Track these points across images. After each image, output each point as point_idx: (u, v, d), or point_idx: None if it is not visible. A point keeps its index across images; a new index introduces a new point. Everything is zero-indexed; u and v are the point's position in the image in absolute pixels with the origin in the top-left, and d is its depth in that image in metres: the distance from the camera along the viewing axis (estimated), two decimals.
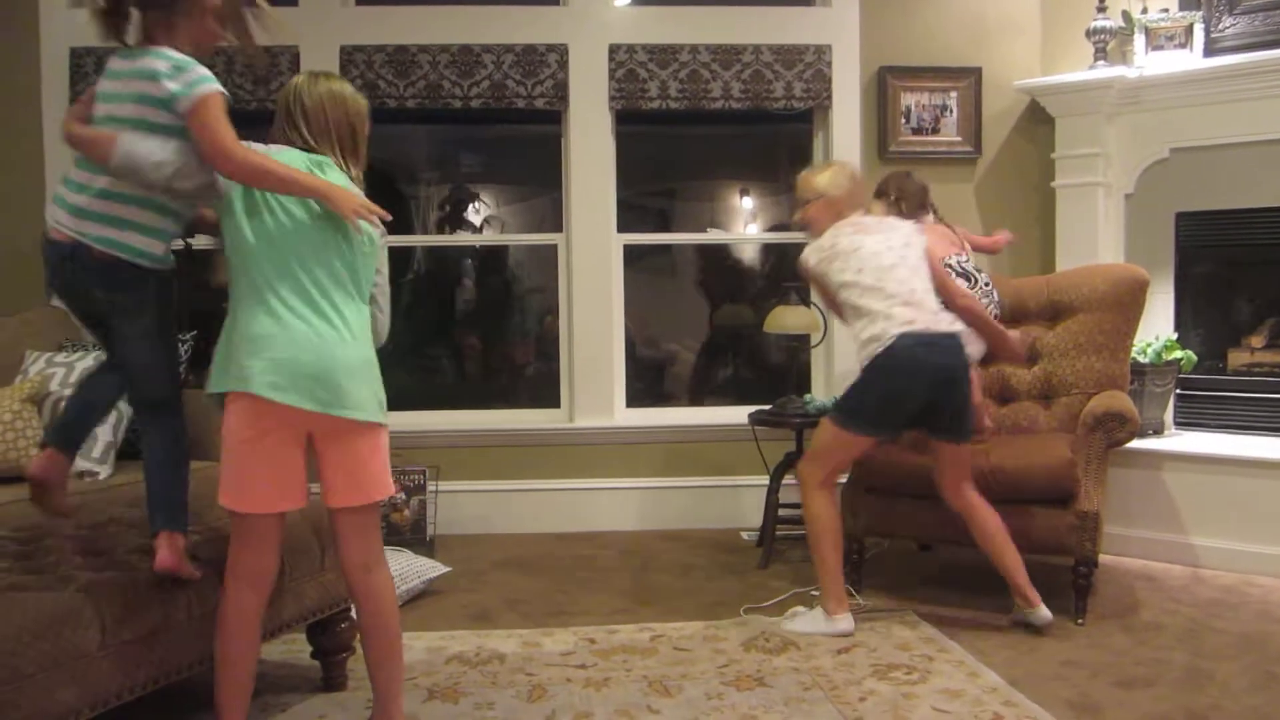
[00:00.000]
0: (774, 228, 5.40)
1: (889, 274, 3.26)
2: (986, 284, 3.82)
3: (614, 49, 4.69)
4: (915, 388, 3.19)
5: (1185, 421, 4.46)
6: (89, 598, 2.18)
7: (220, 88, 2.27)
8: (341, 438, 2.30)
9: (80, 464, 3.51)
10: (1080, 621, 3.39)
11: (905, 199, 3.84)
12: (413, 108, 4.69)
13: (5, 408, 3.42)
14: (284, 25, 2.59)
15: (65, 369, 3.70)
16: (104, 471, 3.55)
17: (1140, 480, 4.15)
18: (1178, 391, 4.41)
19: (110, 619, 2.19)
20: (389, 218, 2.33)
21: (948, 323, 3.26)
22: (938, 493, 3.39)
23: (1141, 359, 4.22)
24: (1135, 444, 3.81)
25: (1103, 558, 3.69)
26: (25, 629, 2.02)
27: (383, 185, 5.09)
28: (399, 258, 5.18)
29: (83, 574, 2.29)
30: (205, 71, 2.27)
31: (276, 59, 4.58)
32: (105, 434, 3.58)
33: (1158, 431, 4.31)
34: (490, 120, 5.04)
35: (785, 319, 4.36)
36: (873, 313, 3.22)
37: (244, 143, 2.25)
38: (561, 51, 4.68)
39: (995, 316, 3.73)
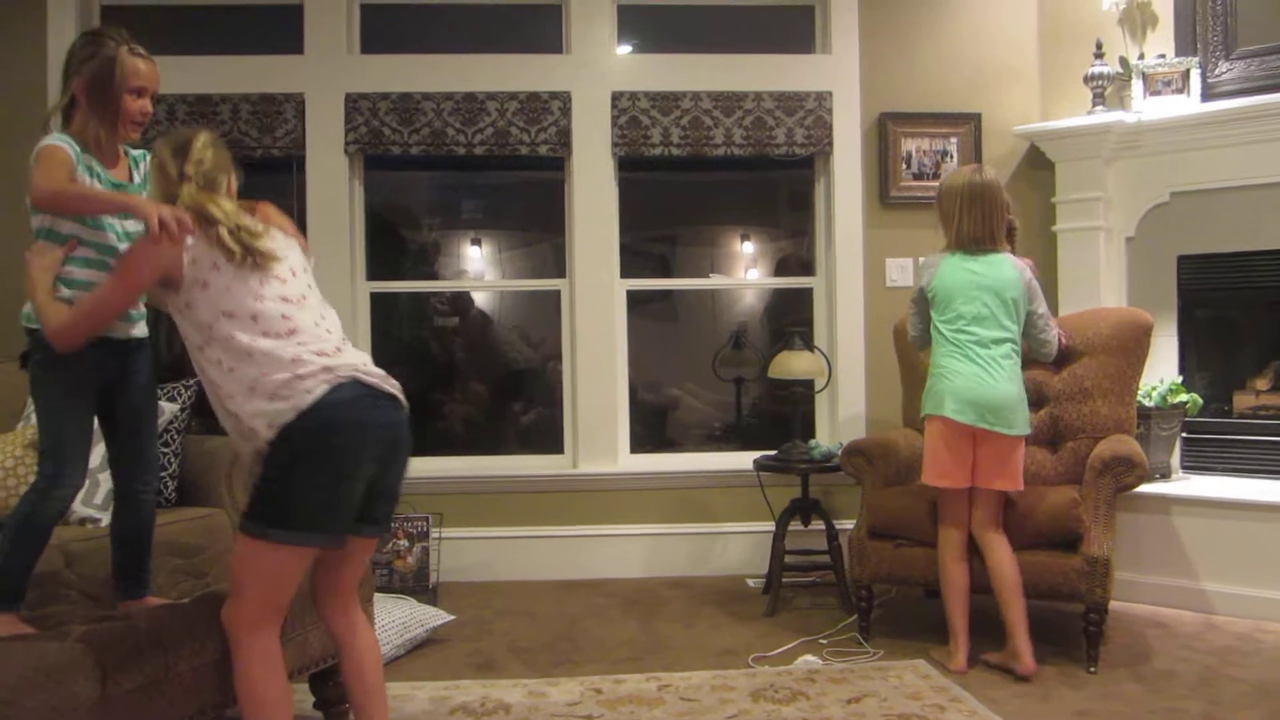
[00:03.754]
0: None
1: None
2: None
3: (617, 96, 4.73)
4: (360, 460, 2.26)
5: (1192, 465, 4.43)
6: (89, 647, 2.14)
7: (57, 142, 2.41)
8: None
9: (81, 510, 3.48)
10: (1092, 670, 3.35)
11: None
12: (416, 154, 4.72)
13: (7, 454, 3.40)
14: None
15: None
16: (106, 518, 3.51)
17: (1149, 525, 4.12)
18: (1183, 435, 4.39)
19: (111, 668, 2.15)
20: (187, 222, 2.24)
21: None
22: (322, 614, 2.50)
23: (1147, 403, 4.21)
24: (1142, 489, 3.78)
25: (1113, 604, 3.65)
26: (24, 679, 1.99)
27: (385, 231, 5.10)
28: (400, 302, 5.18)
29: (83, 623, 2.25)
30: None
31: (282, 106, 4.61)
32: (107, 480, 3.54)
33: (1164, 476, 4.29)
34: (493, 167, 5.07)
35: (790, 364, 4.35)
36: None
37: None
38: (564, 99, 4.72)
39: None
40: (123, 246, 2.47)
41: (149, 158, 2.53)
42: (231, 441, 2.32)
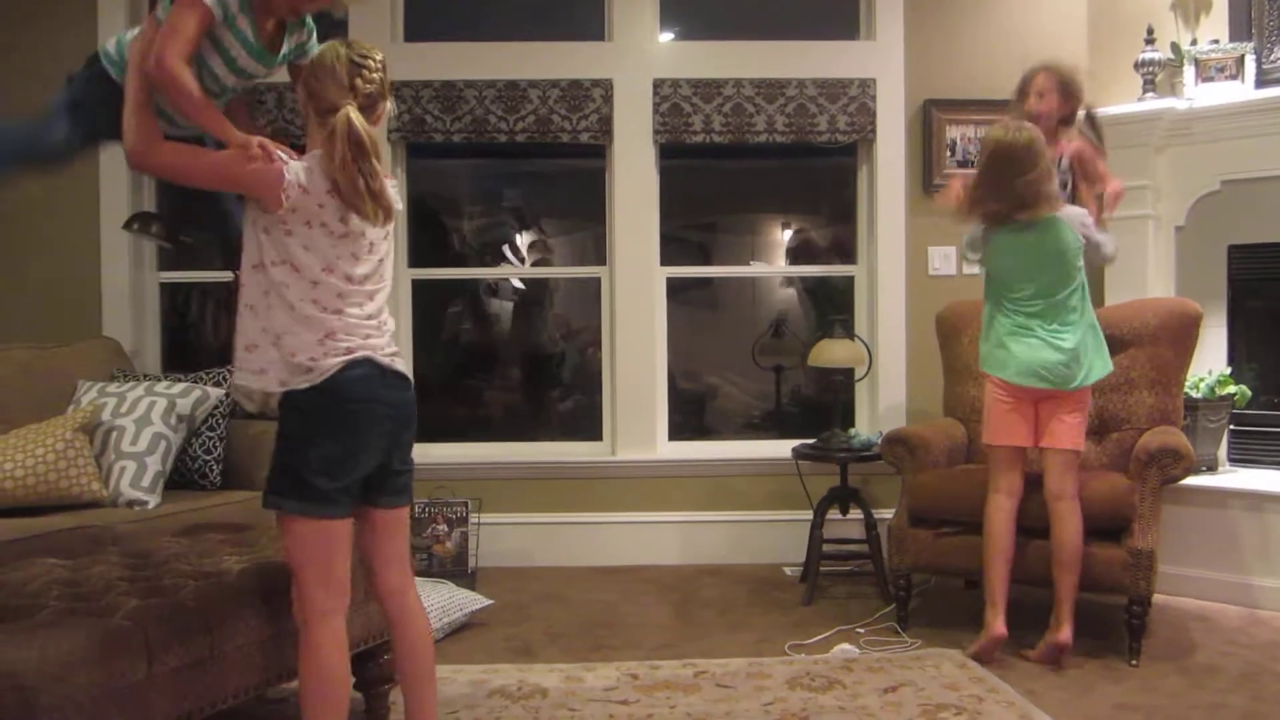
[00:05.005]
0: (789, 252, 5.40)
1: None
2: None
3: (658, 83, 4.72)
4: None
5: (1239, 458, 4.36)
6: (137, 625, 2.19)
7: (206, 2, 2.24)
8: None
9: (129, 493, 3.55)
10: (1134, 663, 3.31)
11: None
12: (459, 142, 4.74)
13: (58, 437, 3.47)
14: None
15: (117, 399, 3.75)
16: (153, 501, 3.58)
17: (1194, 518, 4.06)
18: (1231, 427, 4.32)
19: (158, 646, 2.20)
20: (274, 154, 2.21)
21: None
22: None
23: (1194, 394, 4.15)
24: (1188, 481, 3.74)
25: (1156, 597, 3.61)
26: (75, 656, 2.04)
27: (427, 218, 5.14)
28: (443, 290, 5.21)
29: (131, 601, 2.30)
30: None
31: None
32: (154, 463, 3.62)
33: (1211, 468, 4.22)
34: (534, 154, 5.08)
35: (830, 352, 4.33)
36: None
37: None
38: (606, 86, 4.72)
39: None
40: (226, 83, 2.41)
41: (318, 49, 2.37)
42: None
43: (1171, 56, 4.45)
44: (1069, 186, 3.76)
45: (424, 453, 4.72)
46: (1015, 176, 3.31)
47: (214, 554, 2.77)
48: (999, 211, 3.38)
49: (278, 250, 2.21)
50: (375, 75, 2.29)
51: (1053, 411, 3.40)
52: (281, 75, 4.42)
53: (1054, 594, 3.33)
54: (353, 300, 2.27)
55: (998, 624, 3.33)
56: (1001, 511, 3.40)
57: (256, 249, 2.23)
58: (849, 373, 4.62)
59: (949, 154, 4.77)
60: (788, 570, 4.56)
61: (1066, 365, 3.36)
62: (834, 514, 4.27)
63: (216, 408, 3.88)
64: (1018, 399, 3.41)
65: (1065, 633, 3.27)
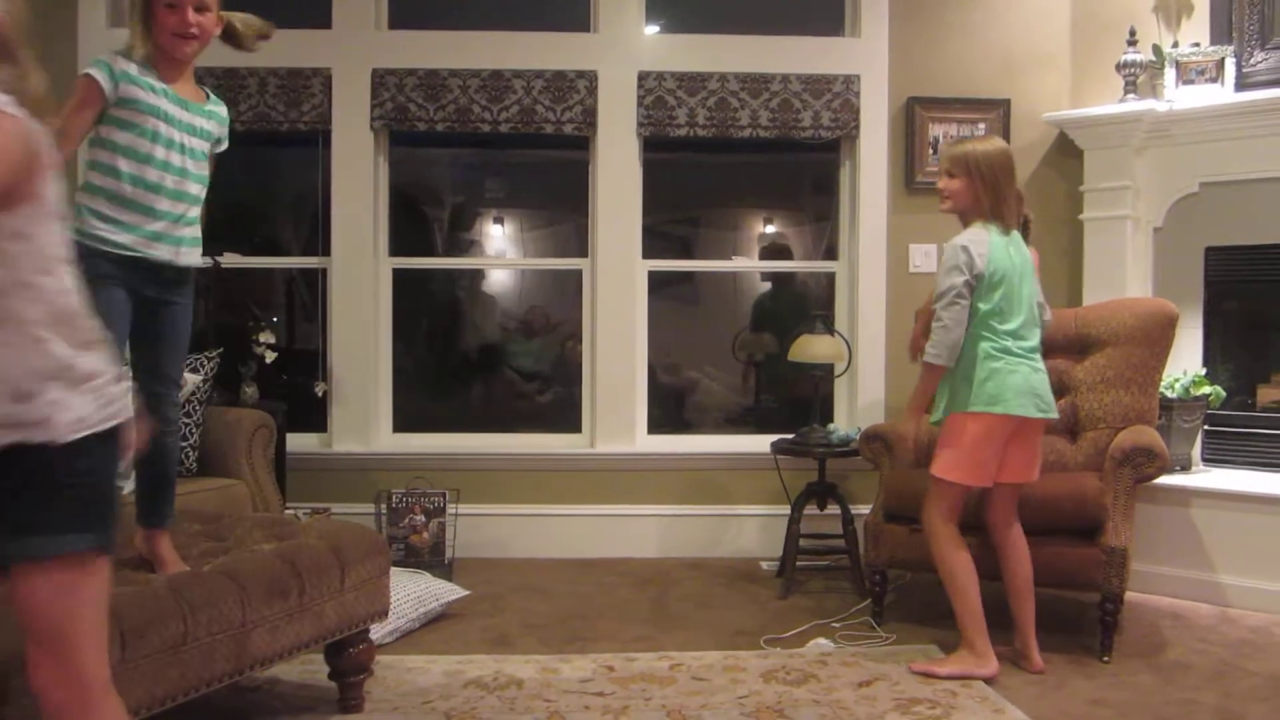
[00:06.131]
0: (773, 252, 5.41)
1: None
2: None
3: (643, 76, 4.71)
4: None
5: (1213, 458, 4.40)
6: (111, 612, 2.17)
7: (88, 70, 2.47)
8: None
9: None
10: (1106, 659, 3.34)
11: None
12: (442, 131, 4.72)
13: None
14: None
15: None
16: (128, 486, 3.54)
17: (1167, 517, 4.09)
18: (1206, 427, 4.36)
19: (130, 634, 2.18)
20: None
21: None
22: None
23: (1169, 394, 4.18)
24: (1162, 480, 3.76)
25: (1129, 595, 3.65)
26: None
27: (407, 207, 5.12)
28: (422, 281, 5.19)
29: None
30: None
31: (309, 81, 4.63)
32: None
33: (1185, 468, 4.26)
34: (517, 145, 5.07)
35: (810, 348, 4.34)
36: None
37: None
38: (591, 78, 4.71)
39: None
40: (159, 153, 2.56)
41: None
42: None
43: (1153, 58, 4.48)
44: None
45: (403, 443, 4.75)
46: (1014, 183, 3.29)
47: (188, 540, 2.75)
48: (1009, 216, 3.26)
49: (32, 261, 1.64)
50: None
51: (1024, 443, 3.25)
52: (262, 59, 4.34)
53: (1016, 624, 3.29)
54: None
55: (994, 658, 3.18)
56: (954, 540, 3.24)
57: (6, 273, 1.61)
58: (829, 368, 4.64)
59: (931, 152, 4.78)
60: (765, 564, 4.57)
61: (1049, 390, 3.27)
62: (811, 509, 4.29)
63: (193, 394, 3.86)
64: (1001, 438, 3.20)
65: (1037, 661, 3.24)
